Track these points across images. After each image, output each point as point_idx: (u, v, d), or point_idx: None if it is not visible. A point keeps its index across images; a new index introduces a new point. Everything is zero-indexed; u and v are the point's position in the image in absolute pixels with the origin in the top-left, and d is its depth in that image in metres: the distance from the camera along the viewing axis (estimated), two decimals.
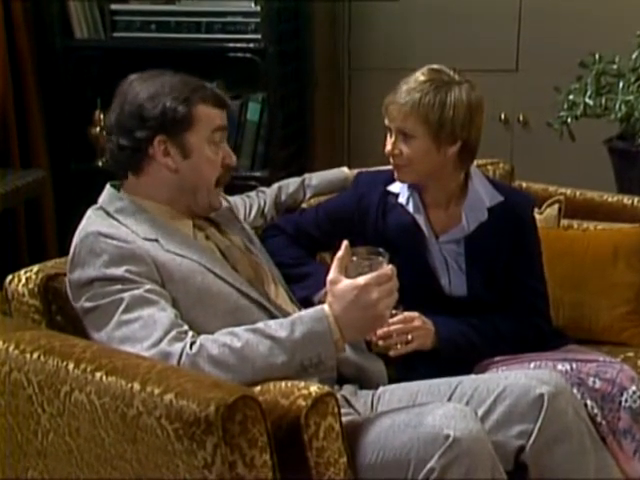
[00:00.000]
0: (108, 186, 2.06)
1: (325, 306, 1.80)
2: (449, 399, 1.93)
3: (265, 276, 2.13)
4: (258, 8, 3.59)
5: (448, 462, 1.69)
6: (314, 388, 1.69)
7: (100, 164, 3.71)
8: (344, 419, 1.74)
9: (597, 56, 3.48)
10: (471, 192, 2.27)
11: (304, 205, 2.49)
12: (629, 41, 3.47)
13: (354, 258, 1.81)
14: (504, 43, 4.14)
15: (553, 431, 1.85)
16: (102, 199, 2.04)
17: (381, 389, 2.08)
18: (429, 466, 1.70)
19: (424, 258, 2.27)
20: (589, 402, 2.06)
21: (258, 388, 1.72)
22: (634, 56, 3.44)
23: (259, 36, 3.59)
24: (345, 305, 1.77)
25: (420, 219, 2.27)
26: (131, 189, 2.04)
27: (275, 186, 2.50)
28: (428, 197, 2.29)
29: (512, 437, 1.85)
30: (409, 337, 2.12)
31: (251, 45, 3.60)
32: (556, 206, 2.77)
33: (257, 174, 3.67)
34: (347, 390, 2.06)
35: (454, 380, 1.98)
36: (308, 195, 2.51)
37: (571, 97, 3.50)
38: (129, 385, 1.63)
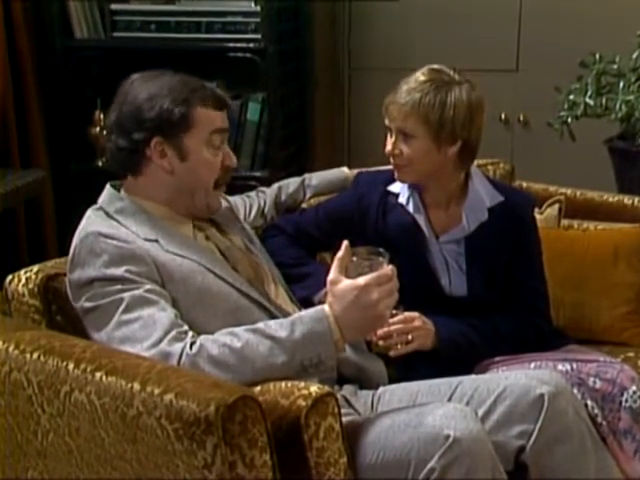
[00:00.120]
0: (108, 186, 2.06)
1: (325, 306, 1.80)
2: (449, 399, 1.93)
3: (265, 276, 2.12)
4: (258, 8, 3.59)
5: (448, 462, 1.69)
6: (314, 388, 1.69)
7: (100, 164, 3.72)
8: (344, 419, 1.74)
9: (597, 56, 3.48)
10: (471, 192, 2.27)
11: (304, 205, 2.49)
12: (629, 41, 3.47)
13: (354, 258, 1.81)
14: (504, 43, 4.14)
15: (553, 431, 1.85)
16: (102, 199, 2.04)
17: (381, 389, 2.08)
18: (429, 466, 1.70)
19: (424, 258, 2.26)
20: (589, 402, 2.06)
21: (258, 388, 1.72)
22: (634, 56, 3.45)
23: (259, 36, 3.59)
24: (345, 305, 1.77)
25: (420, 219, 2.27)
26: (131, 189, 2.04)
27: (275, 186, 2.50)
28: (428, 197, 2.29)
29: (512, 437, 1.85)
30: (409, 337, 2.12)
31: (251, 45, 3.60)
32: (556, 206, 2.76)
33: (257, 174, 3.67)
34: (347, 390, 2.06)
35: (454, 380, 1.98)
36: (308, 195, 2.51)
37: (571, 97, 3.50)
38: (129, 385, 1.63)
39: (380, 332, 2.06)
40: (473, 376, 2.05)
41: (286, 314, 1.96)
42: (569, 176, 3.23)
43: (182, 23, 3.65)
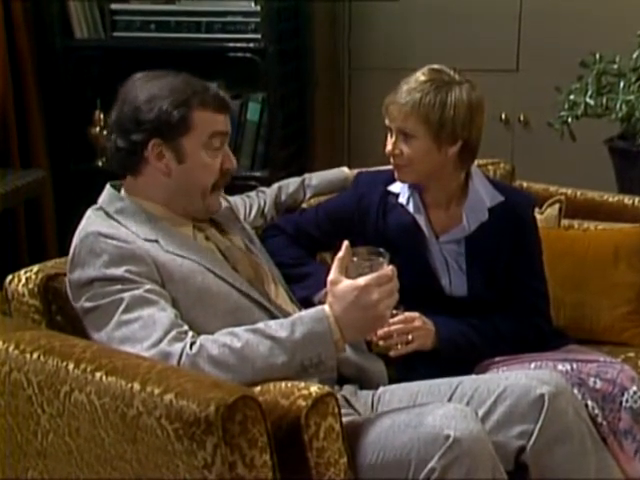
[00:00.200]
0: (108, 186, 2.06)
1: (325, 306, 1.80)
2: (449, 399, 1.93)
3: (265, 276, 2.12)
4: (258, 8, 3.59)
5: (449, 462, 1.69)
6: (314, 388, 1.68)
7: (100, 164, 3.72)
8: (344, 419, 1.74)
9: (598, 56, 3.48)
10: (472, 192, 2.27)
11: (304, 205, 2.48)
12: (630, 41, 3.47)
13: (354, 258, 1.81)
14: (504, 43, 4.14)
15: (554, 431, 1.85)
16: (102, 199, 2.04)
17: (381, 389, 2.08)
18: (430, 466, 1.70)
19: (424, 258, 2.26)
20: (590, 402, 2.05)
21: (258, 388, 1.72)
22: (635, 56, 3.45)
23: (259, 36, 3.59)
24: (345, 305, 1.77)
25: (420, 219, 2.27)
26: (130, 189, 2.04)
27: (275, 186, 2.50)
28: (428, 197, 2.28)
29: (512, 437, 1.85)
30: (409, 337, 2.12)
31: (251, 45, 3.60)
32: (557, 206, 2.76)
33: (257, 174, 3.67)
34: (347, 390, 2.06)
35: (454, 380, 1.98)
36: (308, 195, 2.51)
37: (572, 97, 3.50)
38: (129, 385, 1.63)
39: (380, 332, 2.06)
40: (473, 376, 2.05)
41: (286, 314, 1.96)
42: (569, 176, 3.23)
43: (182, 23, 3.65)
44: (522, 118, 4.21)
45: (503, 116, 4.19)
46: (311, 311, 1.82)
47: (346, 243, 1.81)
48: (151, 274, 1.89)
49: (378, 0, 4.24)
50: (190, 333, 1.82)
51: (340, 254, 1.80)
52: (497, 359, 2.20)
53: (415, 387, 2.02)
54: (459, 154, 2.20)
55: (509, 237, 2.26)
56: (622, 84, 3.43)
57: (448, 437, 1.69)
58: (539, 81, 3.96)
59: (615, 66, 3.47)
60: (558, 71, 3.71)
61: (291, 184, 2.51)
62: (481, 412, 1.86)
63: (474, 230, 2.26)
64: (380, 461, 1.76)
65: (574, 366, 2.12)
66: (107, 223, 1.96)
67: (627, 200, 2.83)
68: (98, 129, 3.68)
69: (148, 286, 1.86)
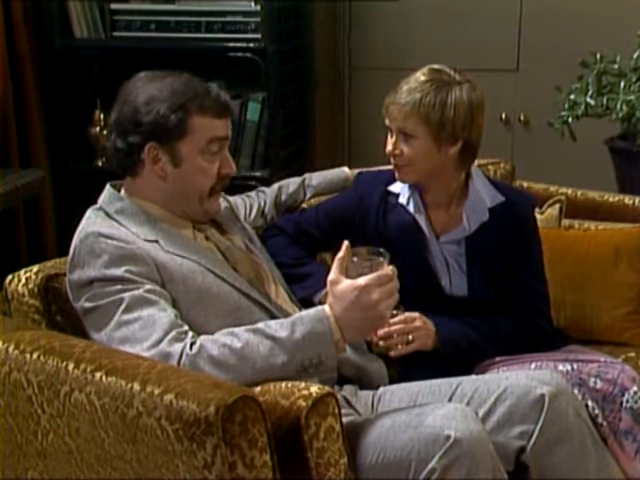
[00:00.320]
0: (108, 186, 2.06)
1: (326, 306, 1.79)
2: (450, 399, 1.93)
3: (265, 276, 2.12)
4: (258, 7, 3.59)
5: (449, 462, 1.69)
6: (314, 389, 1.68)
7: (100, 164, 3.72)
8: (344, 420, 1.74)
9: (598, 56, 3.48)
10: (472, 192, 2.27)
11: (304, 205, 2.48)
12: (630, 41, 3.47)
13: (354, 258, 1.81)
14: (505, 43, 4.14)
15: (554, 432, 1.84)
16: (102, 200, 2.04)
17: (381, 389, 2.08)
18: (430, 466, 1.70)
19: (425, 258, 2.26)
20: (590, 403, 2.05)
21: (258, 389, 1.71)
22: (635, 56, 3.45)
23: (259, 36, 3.59)
24: (346, 306, 1.76)
25: (421, 219, 2.26)
26: (130, 190, 2.03)
27: (275, 186, 2.50)
28: (429, 197, 2.28)
29: (513, 438, 1.85)
30: (410, 337, 2.12)
31: (251, 45, 3.60)
32: (557, 206, 2.76)
33: (257, 174, 3.67)
34: (347, 390, 2.06)
35: (454, 380, 1.98)
36: (308, 195, 2.51)
37: (572, 97, 3.50)
38: (129, 385, 1.63)
39: (380, 332, 2.06)
40: (473, 376, 2.05)
41: (286, 314, 1.96)
42: (570, 176, 3.23)
43: (182, 23, 3.65)
44: (522, 118, 4.21)
45: (503, 116, 4.20)
46: (311, 311, 1.82)
47: (346, 243, 1.81)
48: (151, 274, 1.89)
49: (378, 0, 4.24)
50: (190, 333, 1.82)
51: (340, 254, 1.80)
52: (497, 359, 2.20)
53: (415, 387, 2.02)
54: (459, 154, 2.20)
55: (509, 237, 2.26)
56: (622, 84, 3.43)
57: (448, 437, 1.69)
58: (539, 81, 3.96)
59: (615, 66, 3.47)
60: (558, 71, 3.72)
61: (291, 184, 2.51)
62: (481, 412, 1.86)
63: (474, 230, 2.25)
64: (380, 461, 1.76)
65: (574, 366, 2.12)
66: (107, 223, 1.96)
67: (627, 200, 2.83)
68: (98, 129, 3.68)
69: (148, 286, 1.86)
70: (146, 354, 1.77)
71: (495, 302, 2.27)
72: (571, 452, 1.86)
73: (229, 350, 1.77)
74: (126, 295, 1.84)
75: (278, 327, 1.79)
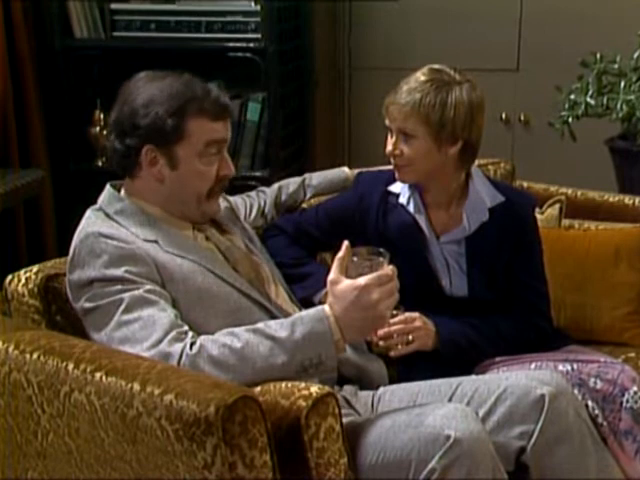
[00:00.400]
0: (108, 186, 2.06)
1: (326, 306, 1.79)
2: (450, 400, 1.93)
3: (265, 276, 2.12)
4: (258, 7, 3.59)
5: (449, 462, 1.69)
6: (314, 389, 1.68)
7: (100, 164, 3.72)
8: (344, 420, 1.74)
9: (598, 55, 3.48)
10: (472, 192, 2.27)
11: (304, 205, 2.48)
12: (630, 40, 3.47)
13: (354, 258, 1.80)
14: (505, 42, 4.14)
15: (554, 432, 1.84)
16: (102, 200, 2.04)
17: (381, 390, 2.08)
18: (430, 466, 1.69)
19: (425, 258, 2.26)
20: (590, 403, 2.05)
21: (258, 389, 1.71)
22: (635, 55, 3.45)
23: (259, 35, 3.59)
24: (346, 305, 1.76)
25: (421, 219, 2.26)
26: (130, 190, 2.03)
27: (275, 186, 2.50)
28: (429, 197, 2.28)
29: (513, 438, 1.85)
30: (410, 337, 2.12)
31: (251, 45, 3.60)
32: (557, 206, 2.76)
33: (257, 174, 3.67)
34: (347, 391, 2.05)
35: (454, 381, 1.97)
36: (308, 195, 2.50)
37: (572, 97, 3.50)
38: (129, 385, 1.63)
39: (380, 332, 2.06)
40: (473, 376, 2.05)
41: (286, 314, 1.96)
42: (570, 176, 3.23)
43: (182, 23, 3.65)
44: (522, 118, 4.21)
45: (503, 116, 4.20)
46: (311, 311, 1.82)
47: (346, 243, 1.81)
48: (151, 274, 1.88)
49: (378, 0, 4.24)
50: (190, 333, 1.82)
51: (340, 254, 1.80)
52: (497, 359, 2.20)
53: (415, 387, 2.02)
54: (459, 154, 2.20)
55: (509, 237, 2.26)
56: (623, 84, 3.43)
57: (449, 437, 1.69)
58: (540, 81, 3.96)
59: (616, 66, 3.47)
60: (559, 71, 3.71)
61: (291, 184, 2.51)
62: (481, 412, 1.86)
63: (474, 230, 2.25)
64: (380, 461, 1.75)
65: (574, 366, 2.12)
66: (107, 224, 1.96)
67: (627, 200, 2.83)
68: (98, 129, 3.68)
69: (148, 286, 1.86)
70: (146, 354, 1.77)
71: (495, 302, 2.26)
72: (571, 452, 1.86)
73: (229, 350, 1.77)
74: (126, 295, 1.84)
75: (278, 327, 1.79)
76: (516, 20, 4.12)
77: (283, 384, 1.72)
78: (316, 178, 2.53)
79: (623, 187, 3.51)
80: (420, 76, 2.18)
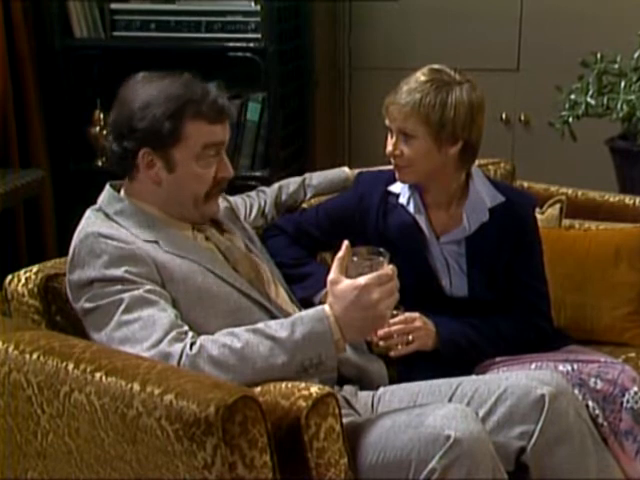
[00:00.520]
0: (107, 187, 2.06)
1: (326, 306, 1.79)
2: (450, 400, 1.93)
3: (265, 276, 2.12)
4: (258, 7, 3.59)
5: (449, 463, 1.69)
6: (315, 389, 1.68)
7: (100, 164, 3.72)
8: (344, 420, 1.74)
9: (598, 55, 3.48)
10: (472, 192, 2.27)
11: (304, 205, 2.48)
12: (631, 40, 3.47)
13: (354, 258, 1.80)
14: (505, 42, 4.14)
15: (554, 432, 1.84)
16: (101, 200, 2.03)
17: (381, 390, 2.08)
18: (430, 467, 1.69)
19: (425, 259, 2.26)
20: (590, 403, 2.05)
21: (258, 389, 1.71)
22: (636, 55, 3.45)
23: (259, 35, 3.59)
24: (346, 305, 1.76)
25: (421, 220, 2.26)
26: (129, 191, 2.03)
27: (275, 186, 2.50)
28: (429, 197, 2.28)
29: (513, 438, 1.85)
30: (410, 338, 2.12)
31: (251, 44, 3.60)
32: (557, 206, 2.76)
33: (257, 174, 3.67)
34: (347, 391, 2.05)
35: (455, 381, 1.97)
36: (309, 195, 2.50)
37: (572, 97, 3.50)
38: (129, 386, 1.63)
39: (381, 332, 2.06)
40: (473, 377, 2.05)
41: (286, 314, 1.96)
42: (570, 176, 3.23)
43: (182, 22, 3.65)
44: (523, 118, 4.21)
45: (504, 116, 4.19)
46: (311, 311, 1.82)
47: (346, 243, 1.81)
48: (151, 274, 1.88)
49: (378, 0, 4.24)
50: (190, 334, 1.82)
51: (340, 254, 1.80)
52: (498, 359, 2.20)
53: (415, 388, 2.02)
54: (459, 154, 2.19)
55: (510, 237, 2.26)
56: (623, 84, 3.43)
57: (449, 437, 1.69)
58: (540, 81, 3.96)
59: (616, 66, 3.47)
60: (559, 71, 3.71)
61: (292, 184, 2.50)
62: (481, 413, 1.86)
63: (474, 230, 2.25)
64: (380, 461, 1.75)
65: (575, 367, 2.12)
66: (107, 224, 1.96)
67: (628, 200, 2.83)
68: (98, 129, 3.68)
69: (148, 286, 1.86)
70: (146, 354, 1.77)
71: (495, 302, 2.26)
72: (571, 452, 1.86)
73: (229, 350, 1.76)
74: (126, 295, 1.84)
75: (278, 327, 1.79)
76: (516, 20, 4.12)
77: (283, 384, 1.71)
78: (316, 178, 2.53)
79: (623, 187, 3.51)
80: (420, 76, 2.18)
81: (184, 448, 1.56)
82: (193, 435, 1.55)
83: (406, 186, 2.29)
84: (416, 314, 2.14)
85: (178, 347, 1.77)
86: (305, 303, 2.15)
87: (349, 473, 1.71)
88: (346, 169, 2.58)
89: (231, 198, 2.29)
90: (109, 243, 1.89)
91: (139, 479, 1.66)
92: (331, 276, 1.79)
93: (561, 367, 2.11)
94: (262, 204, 2.42)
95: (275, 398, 1.69)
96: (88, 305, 1.87)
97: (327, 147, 4.27)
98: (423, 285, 2.24)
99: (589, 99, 3.45)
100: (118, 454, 1.67)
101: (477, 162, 2.31)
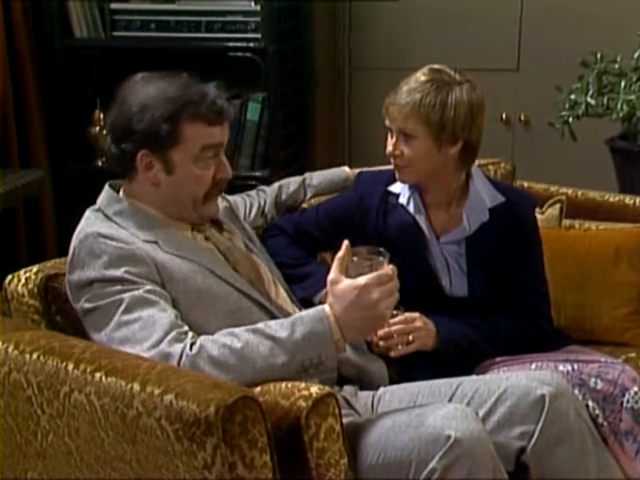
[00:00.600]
0: (107, 187, 2.05)
1: (326, 306, 1.79)
2: (450, 400, 1.93)
3: (265, 276, 2.12)
4: (258, 7, 3.58)
5: (449, 463, 1.69)
6: (315, 389, 1.68)
7: (100, 164, 3.71)
8: (344, 420, 1.73)
9: (599, 55, 3.48)
10: (472, 193, 2.26)
11: (304, 205, 2.48)
12: (631, 40, 3.47)
13: (354, 258, 1.80)
14: (505, 42, 4.14)
15: (554, 432, 1.84)
16: (100, 201, 2.03)
17: (381, 390, 2.08)
18: (430, 467, 1.69)
19: (425, 259, 2.26)
20: (590, 403, 2.05)
21: (258, 389, 1.71)
22: (636, 55, 3.45)
23: (259, 35, 3.59)
24: (346, 305, 1.76)
25: (421, 220, 2.26)
26: (128, 192, 2.03)
27: (275, 185, 2.49)
28: (429, 198, 2.28)
29: (513, 438, 1.85)
30: (410, 338, 2.12)
31: (251, 44, 3.60)
32: (558, 206, 2.76)
33: (257, 174, 3.66)
34: (347, 391, 2.05)
35: (455, 381, 1.97)
36: (309, 195, 2.50)
37: (573, 96, 3.50)
38: (129, 386, 1.63)
39: (381, 332, 2.06)
40: (474, 377, 2.05)
41: (287, 314, 1.96)
42: (570, 176, 3.23)
43: (182, 22, 3.64)
44: (523, 118, 4.21)
45: (504, 116, 4.19)
46: (311, 311, 1.81)
47: (346, 243, 1.81)
48: (151, 274, 1.88)
49: (378, 0, 4.24)
50: (190, 334, 1.82)
51: (340, 254, 1.80)
52: (498, 360, 2.20)
53: (415, 388, 2.02)
54: (460, 154, 2.19)
55: (510, 237, 2.25)
56: (623, 84, 3.42)
57: (449, 437, 1.69)
58: (540, 81, 3.96)
59: (616, 66, 3.47)
60: (559, 71, 3.71)
61: (292, 183, 2.50)
62: (481, 413, 1.86)
63: (474, 231, 2.25)
64: (381, 462, 1.75)
65: (575, 367, 2.11)
66: (106, 224, 1.96)
67: (628, 200, 2.83)
68: (98, 129, 3.68)
69: (148, 287, 1.86)
70: (146, 354, 1.77)
71: (495, 302, 2.26)
72: (571, 452, 1.86)
73: (229, 350, 1.76)
74: (126, 295, 1.84)
75: (278, 327, 1.79)
76: (516, 20, 4.12)
77: (283, 384, 1.71)
78: (316, 178, 2.53)
79: (624, 187, 3.51)
80: (420, 76, 2.17)
81: (184, 448, 1.56)
82: (193, 435, 1.55)
83: (406, 186, 2.29)
84: (416, 314, 2.14)
85: (178, 347, 1.77)
86: (305, 303, 2.15)
87: (349, 473, 1.71)
88: (346, 169, 2.58)
89: (230, 198, 2.29)
90: (109, 243, 1.89)
91: (139, 479, 1.66)
92: (331, 276, 1.79)
93: (561, 367, 2.11)
94: (262, 203, 2.42)
95: (275, 398, 1.68)
96: (88, 305, 1.87)
97: (327, 147, 4.27)
98: (423, 285, 2.24)
99: (589, 99, 3.45)
100: (118, 454, 1.67)
101: (477, 162, 2.31)
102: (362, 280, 1.76)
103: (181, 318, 1.86)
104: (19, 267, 2.05)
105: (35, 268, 2.03)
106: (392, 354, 2.12)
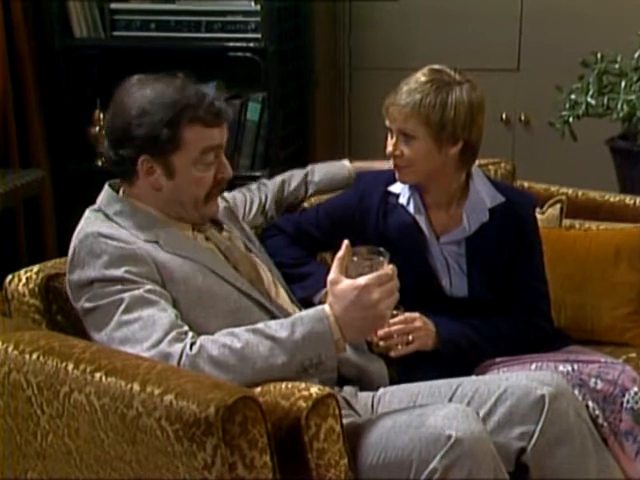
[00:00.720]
0: (106, 187, 2.05)
1: (326, 306, 1.79)
2: (450, 400, 1.93)
3: (265, 276, 2.12)
4: (258, 7, 3.58)
5: (450, 463, 1.69)
6: (315, 389, 1.68)
7: (100, 164, 3.71)
8: (344, 420, 1.73)
9: (599, 55, 3.48)
10: (472, 193, 2.26)
11: (305, 204, 2.48)
12: (631, 40, 3.47)
13: (354, 258, 1.80)
14: (505, 42, 4.14)
15: (554, 432, 1.84)
16: (100, 201, 2.03)
17: (381, 390, 2.07)
18: (431, 467, 1.69)
19: (425, 259, 2.26)
20: (590, 403, 2.05)
21: (258, 389, 1.71)
22: (636, 55, 3.45)
23: (259, 35, 3.58)
24: (346, 305, 1.76)
25: (421, 220, 2.26)
26: (128, 192, 2.03)
27: (278, 180, 2.48)
28: (429, 198, 2.28)
29: (513, 438, 1.85)
30: (410, 338, 2.12)
31: (251, 44, 3.59)
32: (558, 206, 2.76)
33: (257, 174, 3.65)
34: (347, 392, 2.05)
35: (455, 381, 1.97)
36: (310, 192, 2.50)
37: (573, 96, 3.50)
38: (129, 386, 1.63)
39: (381, 332, 2.06)
40: (473, 377, 2.05)
41: (287, 314, 1.96)
42: (570, 176, 3.22)
43: (182, 22, 3.64)
44: (523, 118, 4.21)
45: (504, 116, 4.19)
46: (311, 311, 1.81)
47: (346, 242, 1.81)
48: (151, 274, 1.88)
49: (378, 0, 4.24)
50: (190, 334, 1.82)
51: (340, 253, 1.80)
52: (498, 360, 2.20)
53: (415, 388, 2.02)
54: (460, 155, 2.19)
55: (510, 237, 2.25)
56: (623, 84, 3.43)
57: (450, 437, 1.69)
58: (540, 81, 3.95)
59: (616, 66, 3.47)
60: (559, 71, 3.71)
61: (294, 178, 2.49)
62: (481, 413, 1.86)
63: (475, 231, 2.25)
64: (381, 462, 1.75)
65: (575, 367, 2.11)
66: (106, 224, 1.96)
67: (628, 200, 2.83)
68: (98, 129, 3.67)
69: (148, 286, 1.86)
70: (146, 354, 1.77)
71: (495, 302, 2.26)
72: (571, 453, 1.86)
73: (229, 350, 1.76)
74: (126, 295, 1.83)
75: (278, 327, 1.79)
76: (516, 20, 4.12)
77: (283, 385, 1.71)
78: (318, 173, 2.52)
79: (624, 187, 3.51)
80: (420, 76, 2.17)
81: (184, 448, 1.56)
82: (193, 435, 1.55)
83: (406, 186, 2.28)
84: (416, 314, 2.14)
85: (178, 347, 1.77)
86: (305, 303, 2.15)
87: (349, 474, 1.71)
88: (346, 163, 2.57)
89: (230, 195, 2.29)
90: (109, 243, 1.89)
91: (139, 479, 1.66)
92: (331, 276, 1.79)
93: (561, 367, 2.11)
94: (263, 199, 2.41)
95: (275, 398, 1.68)
96: (88, 305, 1.87)
97: (327, 147, 4.27)
98: (423, 285, 2.24)
99: (589, 99, 3.45)
100: (118, 454, 1.67)
101: (477, 162, 2.31)
102: (362, 280, 1.76)
103: (181, 318, 1.86)
104: (19, 267, 2.05)
105: (36, 268, 2.03)
106: (392, 354, 2.11)
